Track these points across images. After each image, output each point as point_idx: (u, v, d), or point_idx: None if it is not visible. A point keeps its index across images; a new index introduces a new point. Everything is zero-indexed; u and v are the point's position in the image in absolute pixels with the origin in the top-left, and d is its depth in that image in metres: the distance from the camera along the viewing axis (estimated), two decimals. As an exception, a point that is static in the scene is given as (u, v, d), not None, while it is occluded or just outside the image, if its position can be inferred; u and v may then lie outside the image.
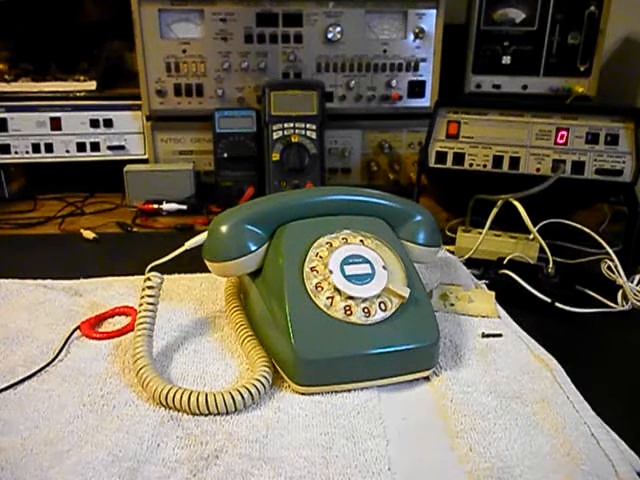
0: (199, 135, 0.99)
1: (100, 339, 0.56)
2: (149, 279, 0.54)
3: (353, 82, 0.98)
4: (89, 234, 0.82)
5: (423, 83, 1.00)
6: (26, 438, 0.43)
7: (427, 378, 0.51)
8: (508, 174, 0.79)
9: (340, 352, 0.48)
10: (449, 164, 0.81)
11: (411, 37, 0.97)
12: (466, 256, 0.74)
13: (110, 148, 0.99)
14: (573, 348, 0.57)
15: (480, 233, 0.75)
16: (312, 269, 0.51)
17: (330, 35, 0.95)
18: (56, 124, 0.97)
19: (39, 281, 0.67)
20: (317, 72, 0.98)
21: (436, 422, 0.45)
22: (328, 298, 0.50)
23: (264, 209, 0.56)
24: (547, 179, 0.74)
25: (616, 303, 0.64)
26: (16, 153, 0.98)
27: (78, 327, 0.57)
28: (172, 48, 0.95)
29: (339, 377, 0.48)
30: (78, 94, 0.97)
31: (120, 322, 0.59)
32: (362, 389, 0.48)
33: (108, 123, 0.98)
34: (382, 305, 0.50)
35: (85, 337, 0.56)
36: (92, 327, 0.57)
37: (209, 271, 0.56)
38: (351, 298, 0.50)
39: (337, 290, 0.50)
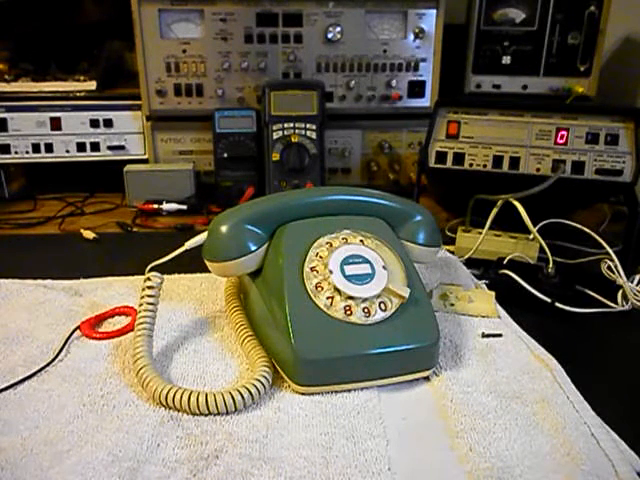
0: (199, 135, 0.99)
1: (100, 339, 0.56)
2: (149, 279, 0.54)
3: (353, 82, 0.98)
4: (89, 234, 0.82)
5: (423, 83, 1.00)
6: (26, 438, 0.43)
7: (427, 378, 0.51)
8: (508, 174, 0.79)
9: (340, 352, 0.48)
10: (449, 164, 0.81)
11: (411, 37, 0.97)
12: (466, 256, 0.74)
13: (110, 148, 0.99)
14: (573, 348, 0.57)
15: (480, 233, 0.75)
16: (312, 269, 0.51)
17: (330, 35, 0.95)
18: (56, 124, 0.97)
19: (39, 281, 0.67)
20: (317, 72, 0.98)
21: (436, 422, 0.45)
22: (328, 298, 0.50)
23: (264, 209, 0.56)
24: (547, 179, 0.74)
25: (616, 303, 0.64)
26: (16, 153, 0.98)
27: (78, 327, 0.57)
28: (172, 48, 0.95)
29: (339, 377, 0.48)
30: (78, 94, 0.97)
31: (120, 322, 0.59)
32: (362, 389, 0.48)
33: (108, 123, 0.98)
34: (382, 305, 0.50)
35: (85, 337, 0.56)
36: (92, 327, 0.57)
37: (209, 271, 0.56)
38: (351, 298, 0.50)
39: (337, 290, 0.50)
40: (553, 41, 1.00)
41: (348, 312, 0.49)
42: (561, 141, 0.77)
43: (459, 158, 0.80)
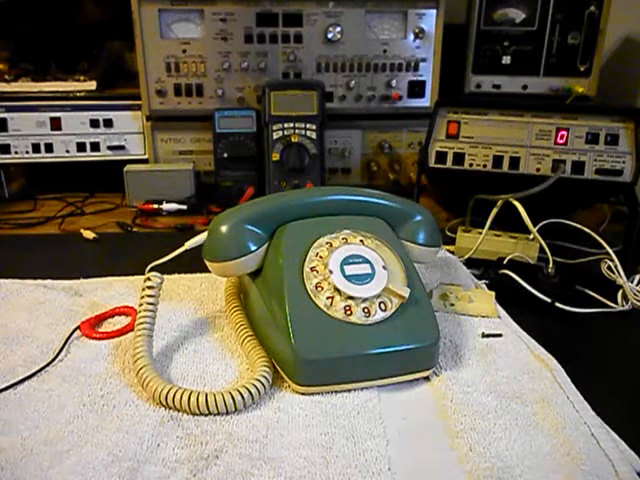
0: (199, 135, 0.99)
1: (100, 339, 0.56)
2: (149, 279, 0.54)
3: (353, 82, 0.98)
4: (89, 234, 0.82)
5: (423, 83, 1.00)
6: (26, 438, 0.43)
7: (427, 378, 0.51)
8: (508, 174, 0.79)
9: (340, 352, 0.48)
10: (449, 164, 0.81)
11: (411, 37, 0.97)
12: (466, 256, 0.74)
13: (110, 148, 0.99)
14: (573, 348, 0.57)
15: (480, 233, 0.75)
16: (312, 269, 0.51)
17: (330, 35, 0.95)
18: (56, 124, 0.97)
19: (39, 281, 0.67)
20: (317, 72, 0.98)
21: (436, 422, 0.45)
22: (328, 298, 0.50)
23: (264, 209, 0.56)
24: (547, 179, 0.74)
25: (616, 303, 0.64)
26: (16, 153, 0.98)
27: (78, 327, 0.57)
28: (172, 48, 0.95)
29: (339, 377, 0.48)
30: (78, 94, 0.97)
31: (120, 322, 0.59)
32: (362, 389, 0.48)
33: (108, 123, 0.98)
34: (382, 305, 0.50)
35: (85, 337, 0.56)
36: (92, 327, 0.57)
37: (209, 271, 0.56)
38: (351, 298, 0.50)
39: (337, 290, 0.50)
40: (553, 41, 1.00)
41: (348, 312, 0.49)
42: (561, 141, 0.77)
43: (459, 158, 0.80)
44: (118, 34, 1.06)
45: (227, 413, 0.46)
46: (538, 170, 0.78)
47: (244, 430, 0.44)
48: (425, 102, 1.01)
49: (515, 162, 0.79)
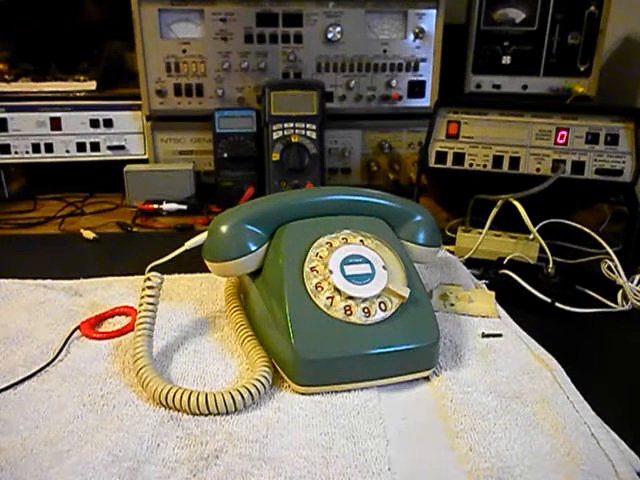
0: (199, 135, 0.99)
1: (100, 339, 0.56)
2: (149, 279, 0.54)
3: (353, 82, 0.98)
4: (89, 234, 0.82)
5: (423, 83, 1.00)
6: (26, 438, 0.43)
7: (427, 378, 0.51)
8: (508, 174, 0.79)
9: (340, 352, 0.48)
10: (449, 164, 0.81)
11: (411, 37, 0.97)
12: (466, 256, 0.74)
13: (110, 148, 0.99)
14: (573, 348, 0.57)
15: (480, 233, 0.75)
16: (312, 269, 0.51)
17: (330, 35, 0.95)
18: (56, 124, 0.97)
19: (39, 281, 0.67)
20: (317, 72, 0.98)
21: (436, 422, 0.45)
22: (328, 298, 0.50)
23: (264, 209, 0.56)
24: (547, 179, 0.74)
25: (616, 303, 0.64)
26: (16, 153, 0.98)
27: (78, 327, 0.57)
28: (172, 48, 0.95)
29: (339, 377, 0.48)
30: (78, 94, 0.97)
31: (120, 322, 0.59)
32: (362, 389, 0.48)
33: (108, 123, 0.98)
34: (382, 305, 0.50)
35: (85, 337, 0.56)
36: (92, 327, 0.57)
37: (209, 271, 0.56)
38: (351, 298, 0.50)
39: (337, 290, 0.50)
40: (553, 41, 1.00)
41: (348, 312, 0.49)
42: (561, 141, 0.77)
43: (459, 158, 0.80)
44: (118, 34, 1.06)
45: (227, 413, 0.46)
46: (538, 170, 0.78)
47: (244, 430, 0.44)
48: (425, 102, 1.01)
49: (515, 162, 0.79)
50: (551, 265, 0.67)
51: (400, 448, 0.42)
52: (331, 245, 0.53)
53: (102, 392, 0.48)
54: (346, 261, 0.52)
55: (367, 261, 0.52)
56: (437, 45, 0.98)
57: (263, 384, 0.47)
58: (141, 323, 0.52)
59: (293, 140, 0.91)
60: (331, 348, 0.47)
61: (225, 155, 0.95)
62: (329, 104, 0.98)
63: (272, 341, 0.51)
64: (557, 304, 0.62)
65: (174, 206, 0.93)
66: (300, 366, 0.47)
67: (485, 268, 0.70)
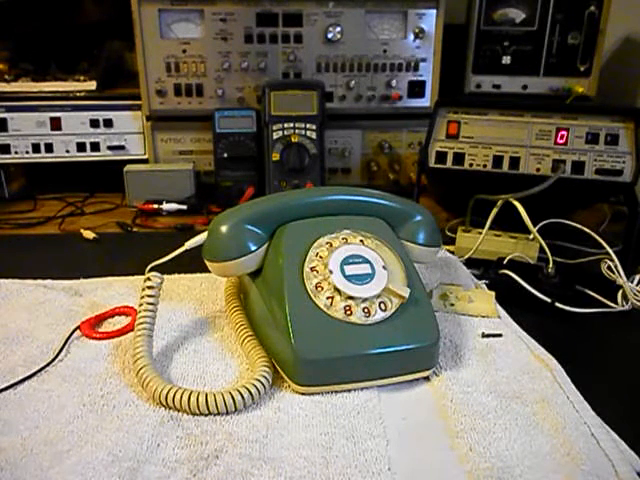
0: (199, 135, 0.99)
1: (100, 339, 0.56)
2: (149, 279, 0.54)
3: (353, 82, 0.98)
4: (89, 234, 0.82)
5: (423, 83, 1.00)
6: (26, 438, 0.43)
7: (427, 378, 0.51)
8: (508, 174, 0.79)
9: (340, 352, 0.48)
10: (449, 164, 0.81)
11: (411, 37, 0.97)
12: (466, 256, 0.74)
13: (110, 148, 0.99)
14: (573, 348, 0.57)
15: (480, 233, 0.75)
16: (312, 269, 0.51)
17: (330, 35, 0.95)
18: (56, 124, 0.97)
19: (39, 281, 0.67)
20: (317, 72, 0.98)
21: (436, 422, 0.45)
22: (328, 298, 0.50)
23: (264, 209, 0.56)
24: (547, 179, 0.74)
25: (616, 303, 0.64)
26: (16, 153, 0.98)
27: (78, 327, 0.57)
28: (172, 48, 0.95)
29: (339, 377, 0.48)
30: (78, 94, 0.97)
31: (120, 322, 0.59)
32: (362, 389, 0.48)
33: (108, 123, 0.98)
34: (382, 305, 0.50)
35: (85, 337, 0.56)
36: (92, 327, 0.57)
37: (209, 271, 0.56)
38: (351, 298, 0.50)
39: (337, 290, 0.50)
40: (553, 41, 1.00)
41: (348, 312, 0.49)
42: (561, 141, 0.77)
43: (459, 158, 0.80)
44: (118, 34, 1.06)
45: (227, 413, 0.46)
46: (538, 170, 0.78)
47: (244, 430, 0.44)
48: (425, 102, 1.01)
49: (515, 162, 0.79)
50: (551, 265, 0.67)
51: (400, 448, 0.42)
52: (331, 245, 0.53)
53: (102, 392, 0.48)
54: (346, 261, 0.52)
55: (367, 261, 0.52)
56: (437, 45, 0.98)
57: (263, 384, 0.47)
58: (141, 323, 0.52)
59: (293, 140, 0.91)
60: (331, 348, 0.47)
61: (225, 155, 0.95)
62: (329, 104, 0.98)
63: (272, 341, 0.51)
64: (557, 304, 0.62)
65: (174, 206, 0.93)
66: (300, 366, 0.47)
67: (485, 268, 0.70)
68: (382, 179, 1.04)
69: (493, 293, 0.63)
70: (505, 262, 0.71)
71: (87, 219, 0.92)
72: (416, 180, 0.86)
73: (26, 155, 0.98)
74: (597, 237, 0.71)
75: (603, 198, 0.91)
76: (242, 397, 0.45)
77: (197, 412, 0.45)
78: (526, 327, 0.59)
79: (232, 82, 0.97)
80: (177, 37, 0.94)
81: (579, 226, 0.74)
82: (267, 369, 0.49)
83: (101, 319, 0.59)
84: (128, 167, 0.95)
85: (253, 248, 0.54)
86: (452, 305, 0.62)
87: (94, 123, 0.98)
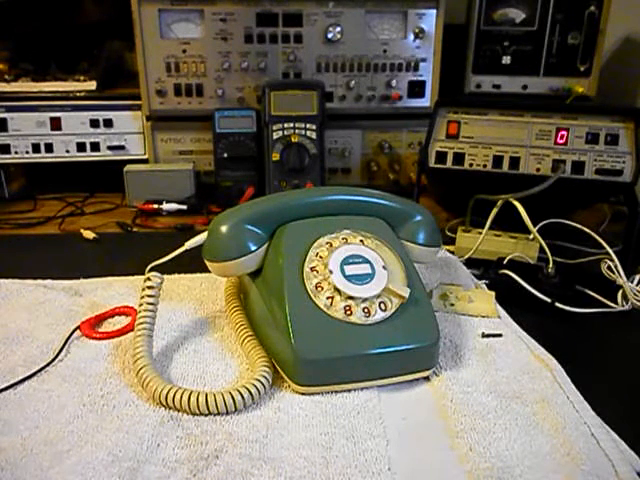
0: (199, 135, 0.99)
1: (100, 339, 0.56)
2: (149, 279, 0.54)
3: (353, 82, 0.98)
4: (89, 234, 0.82)
5: (423, 83, 1.00)
6: (26, 438, 0.43)
7: (427, 378, 0.51)
8: (508, 174, 0.79)
9: (340, 352, 0.48)
10: (449, 164, 0.81)
11: (411, 37, 0.97)
12: (466, 256, 0.74)
13: (110, 148, 0.99)
14: (573, 348, 0.57)
15: (480, 233, 0.75)
16: (312, 269, 0.51)
17: (330, 35, 0.95)
18: (56, 124, 0.97)
19: (39, 281, 0.67)
20: (317, 72, 0.98)
21: (436, 422, 0.45)
22: (328, 298, 0.50)
23: (264, 209, 0.56)
24: (547, 179, 0.74)
25: (616, 303, 0.64)
26: (16, 153, 0.98)
27: (78, 327, 0.57)
28: (172, 48, 0.95)
29: (339, 377, 0.48)
30: (78, 94, 0.97)
31: (120, 322, 0.59)
32: (362, 389, 0.48)
33: (108, 123, 0.98)
34: (382, 305, 0.50)
35: (85, 337, 0.56)
36: (92, 327, 0.57)
37: (209, 271, 0.56)
38: (351, 298, 0.50)
39: (337, 290, 0.50)
40: (553, 41, 1.00)
41: (348, 312, 0.49)
42: (561, 141, 0.77)
43: (459, 158, 0.80)
44: (118, 34, 1.06)
45: (227, 413, 0.46)
46: (538, 170, 0.78)
47: (244, 430, 0.44)
48: (425, 102, 1.01)
49: (515, 162, 0.79)
50: (551, 265, 0.67)
51: (400, 448, 0.42)
52: (331, 245, 0.53)
53: (102, 392, 0.48)
54: (346, 261, 0.52)
55: (367, 261, 0.52)
56: (437, 45, 0.98)
57: (263, 384, 0.47)
58: (141, 323, 0.52)
59: (293, 140, 0.91)
60: (331, 348, 0.47)
61: (225, 155, 0.95)
62: (329, 104, 0.98)
63: (272, 341, 0.51)
64: (557, 304, 0.62)
65: (174, 206, 0.93)
66: (300, 366, 0.47)
67: (485, 268, 0.70)
68: (382, 179, 1.04)
69: (493, 293, 0.63)
70: (505, 262, 0.71)
71: (87, 219, 0.92)
72: (416, 180, 0.86)
73: (26, 155, 0.98)
74: (597, 237, 0.71)
75: (603, 198, 0.91)
76: (242, 397, 0.45)
77: (197, 412, 0.45)
78: (526, 327, 0.59)
79: (232, 82, 0.97)
80: (177, 37, 0.94)
81: (579, 226, 0.74)
82: (267, 369, 0.49)
83: (101, 319, 0.59)
84: (128, 167, 0.95)
85: (253, 248, 0.54)
86: (452, 305, 0.62)
87: (94, 123, 0.98)
